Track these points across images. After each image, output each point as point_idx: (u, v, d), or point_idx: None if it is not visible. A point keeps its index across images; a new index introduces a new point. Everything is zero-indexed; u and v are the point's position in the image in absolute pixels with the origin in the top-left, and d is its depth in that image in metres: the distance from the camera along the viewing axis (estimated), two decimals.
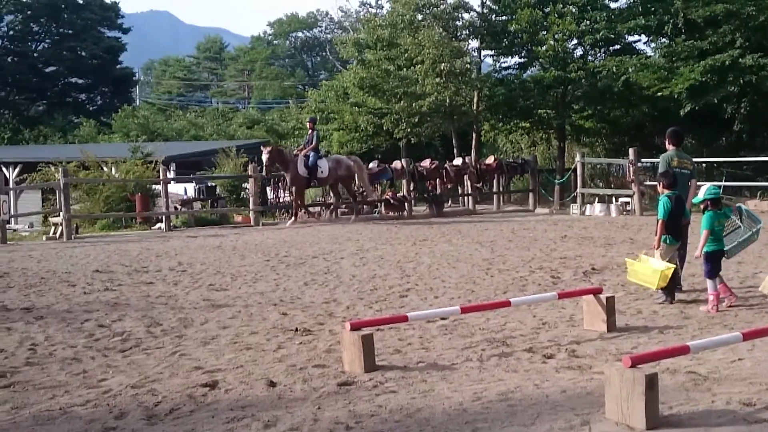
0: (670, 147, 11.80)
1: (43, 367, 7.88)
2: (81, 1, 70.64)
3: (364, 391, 6.85)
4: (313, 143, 24.57)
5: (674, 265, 10.26)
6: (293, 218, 24.56)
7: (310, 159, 24.19)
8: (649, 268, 10.09)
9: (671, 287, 10.37)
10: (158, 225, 24.82)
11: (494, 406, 6.38)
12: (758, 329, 7.41)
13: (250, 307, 10.78)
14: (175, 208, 26.41)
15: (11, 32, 70.65)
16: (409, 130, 33.80)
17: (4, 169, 36.80)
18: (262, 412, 6.42)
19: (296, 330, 9.29)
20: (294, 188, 24.47)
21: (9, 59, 68.62)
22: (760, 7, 27.85)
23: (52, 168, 28.52)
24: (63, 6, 68.38)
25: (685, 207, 10.88)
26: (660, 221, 10.44)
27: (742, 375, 6.99)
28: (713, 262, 9.99)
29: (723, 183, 25.94)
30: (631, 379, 5.69)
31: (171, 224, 24.20)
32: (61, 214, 22.49)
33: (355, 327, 7.61)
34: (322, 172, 24.34)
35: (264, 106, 77.94)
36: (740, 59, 27.03)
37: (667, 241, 10.46)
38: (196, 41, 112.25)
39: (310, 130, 24.79)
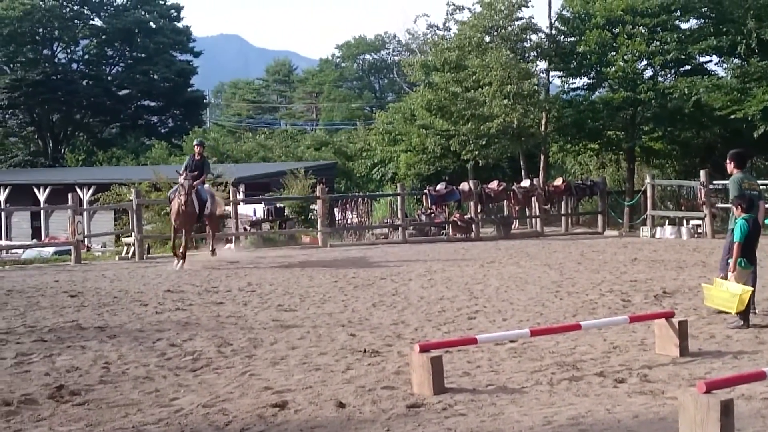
0: (735, 170, 11.62)
1: (116, 386, 8.01)
2: (154, 26, 71.85)
3: (433, 414, 6.83)
4: (205, 174, 20.11)
5: (751, 288, 10.09)
6: (182, 261, 19.24)
7: (202, 193, 19.67)
8: (727, 293, 9.95)
9: (746, 311, 10.19)
10: (228, 245, 25.07)
11: (565, 430, 6.33)
12: None
13: (318, 328, 10.83)
14: (245, 228, 26.66)
15: (86, 56, 72.12)
16: (476, 152, 33.71)
17: (78, 190, 37.52)
18: None
19: (365, 351, 9.30)
20: (184, 224, 19.31)
21: (84, 83, 69.98)
22: None
23: (125, 189, 29.02)
24: (137, 30, 69.58)
25: (760, 230, 10.72)
26: (737, 244, 10.29)
27: None
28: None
29: None
30: (705, 405, 5.60)
31: (241, 245, 24.42)
32: (134, 234, 22.84)
33: (424, 349, 7.60)
34: (208, 208, 19.86)
35: (332, 128, 78.35)
36: None
37: (742, 264, 10.30)
38: (266, 64, 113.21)
39: (198, 156, 19.86)
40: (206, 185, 20.46)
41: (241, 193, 34.81)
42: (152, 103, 74.54)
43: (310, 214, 29.42)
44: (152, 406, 7.25)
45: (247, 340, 10.10)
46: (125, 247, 24.29)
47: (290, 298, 13.81)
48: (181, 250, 19.22)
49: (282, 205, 29.97)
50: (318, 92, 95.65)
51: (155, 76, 70.97)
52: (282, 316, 12.00)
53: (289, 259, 20.92)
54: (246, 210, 30.49)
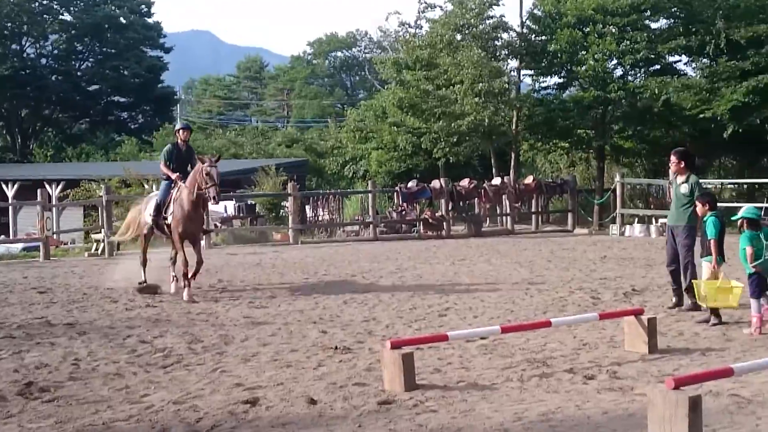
0: (687, 170, 11.70)
1: (86, 382, 7.98)
2: (124, 21, 71.31)
3: (404, 410, 6.86)
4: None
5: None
6: (188, 286, 13.60)
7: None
8: (725, 289, 10.11)
9: (717, 309, 10.34)
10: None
11: (535, 426, 6.37)
12: None
13: (289, 325, 10.83)
14: (215, 225, 26.58)
15: (56, 51, 71.50)
16: (447, 149, 33.79)
17: (47, 186, 37.19)
18: (302, 429, 6.45)
19: (336, 348, 9.32)
20: (196, 232, 14.53)
21: (53, 78, 69.39)
22: None
23: (94, 185, 28.82)
24: (107, 26, 69.01)
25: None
26: (713, 241, 10.40)
27: None
28: (759, 283, 9.90)
29: (765, 204, 25.66)
30: (674, 401, 5.65)
31: (211, 242, 24.34)
32: (103, 230, 22.69)
33: (395, 345, 7.63)
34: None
35: (303, 125, 78.21)
36: None
37: (720, 261, 10.47)
38: (237, 60, 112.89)
39: (183, 144, 15.06)
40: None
41: None
42: (122, 99, 74.01)
43: (281, 211, 29.38)
44: (122, 403, 7.23)
45: (218, 337, 10.09)
46: (95, 244, 24.11)
47: (261, 295, 13.81)
48: (186, 271, 13.65)
49: (253, 202, 29.89)
50: (289, 89, 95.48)
51: (125, 72, 70.47)
52: (253, 312, 11.99)
53: (260, 256, 20.88)
54: (217, 207, 30.34)
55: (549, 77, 35.01)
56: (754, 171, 32.61)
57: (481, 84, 30.98)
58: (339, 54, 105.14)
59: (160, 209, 14.50)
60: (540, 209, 30.90)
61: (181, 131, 15.42)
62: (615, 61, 32.54)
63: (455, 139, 33.17)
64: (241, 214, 29.09)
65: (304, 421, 6.64)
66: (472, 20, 32.81)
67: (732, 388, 7.20)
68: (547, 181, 31.62)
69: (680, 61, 34.39)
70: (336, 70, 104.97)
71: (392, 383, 7.48)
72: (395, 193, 28.50)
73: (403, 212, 28.80)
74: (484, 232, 28.22)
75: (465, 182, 28.76)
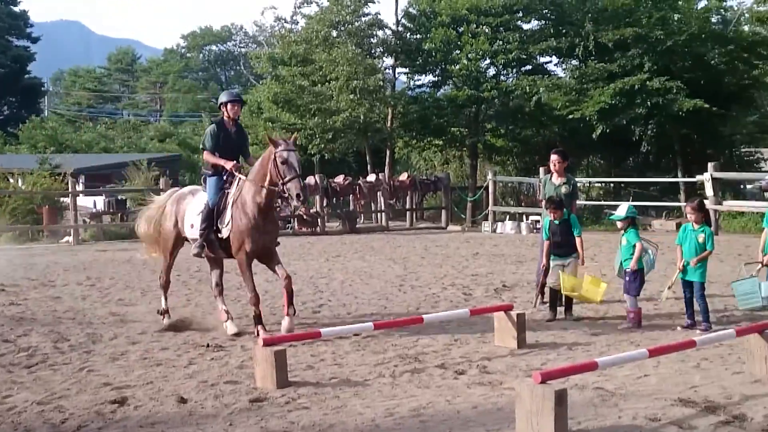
0: (566, 170, 12.06)
1: None
2: None
3: (276, 408, 6.82)
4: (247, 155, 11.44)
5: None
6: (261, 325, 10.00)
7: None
8: (592, 285, 10.40)
9: (557, 303, 10.71)
10: (66, 238, 24.28)
11: (406, 422, 6.41)
12: (663, 346, 7.60)
13: (160, 323, 10.63)
14: (84, 221, 25.91)
15: None
16: (322, 145, 33.77)
17: None
18: (172, 429, 6.35)
19: (208, 346, 9.21)
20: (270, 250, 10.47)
21: None
22: (668, 32, 28.57)
23: None
24: None
25: None
26: (580, 238, 10.73)
27: (648, 391, 7.15)
28: (639, 279, 10.22)
29: (630, 203, 26.44)
30: (541, 395, 5.77)
31: (80, 238, 23.73)
32: None
33: (267, 343, 7.58)
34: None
35: (176, 119, 77.11)
36: (648, 82, 27.66)
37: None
38: (108, 52, 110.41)
39: (232, 123, 10.82)
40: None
41: (80, 184, 33.88)
42: None
43: None
44: None
45: (85, 336, 9.85)
46: None
47: (131, 293, 13.54)
48: (259, 311, 9.98)
49: (124, 198, 29.26)
50: (162, 83, 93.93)
51: None
52: (122, 310, 11.75)
53: (131, 253, 20.43)
54: (86, 202, 29.68)
55: (424, 75, 35.49)
56: (620, 170, 33.64)
57: (356, 81, 31.09)
58: (214, 48, 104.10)
59: (212, 218, 10.22)
60: (414, 206, 31.14)
61: (228, 105, 10.69)
62: (488, 61, 33.11)
63: (330, 136, 33.18)
64: (111, 210, 28.46)
65: (174, 420, 6.54)
66: (348, 17, 32.93)
67: (597, 382, 7.40)
68: (421, 178, 31.91)
69: (551, 62, 35.23)
70: (210, 64, 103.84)
71: (264, 381, 7.43)
72: None
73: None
74: (359, 228, 28.29)
75: (340, 179, 28.77)
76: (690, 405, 6.68)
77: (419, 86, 36.24)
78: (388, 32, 34.38)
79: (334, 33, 33.36)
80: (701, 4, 31.86)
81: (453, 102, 32.85)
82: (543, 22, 34.10)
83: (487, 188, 28.84)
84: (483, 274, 15.61)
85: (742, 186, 31.87)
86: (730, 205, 24.57)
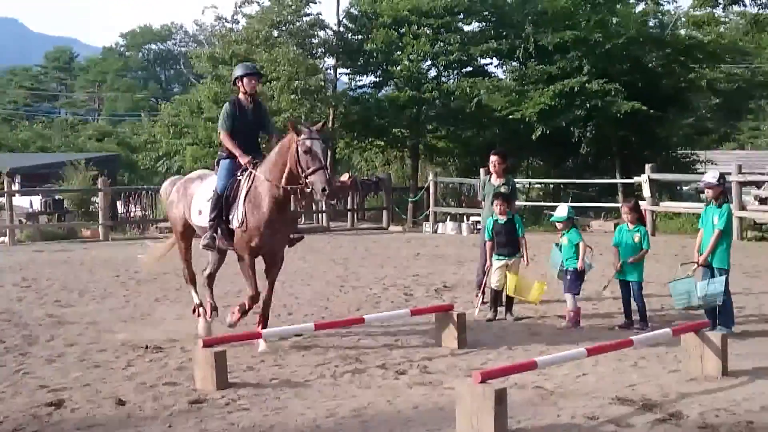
0: (506, 171, 12.19)
1: None
2: None
3: (216, 409, 6.78)
4: (272, 135, 10.82)
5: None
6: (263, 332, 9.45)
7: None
8: (531, 284, 10.54)
9: (497, 303, 10.82)
10: (2, 239, 23.87)
11: (347, 422, 6.42)
12: (601, 345, 7.69)
13: (98, 324, 10.51)
14: (20, 221, 25.50)
15: None
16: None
17: None
18: (110, 431, 6.28)
19: (146, 347, 9.12)
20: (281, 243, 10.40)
21: None
22: (606, 35, 28.89)
23: None
24: None
25: None
26: (523, 238, 10.84)
27: (586, 390, 7.24)
28: (579, 279, 10.35)
29: (569, 204, 26.69)
30: (481, 395, 5.81)
31: (16, 238, 23.34)
32: None
33: (207, 344, 7.54)
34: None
35: (115, 119, 76.26)
36: (587, 84, 27.95)
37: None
38: (45, 50, 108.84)
39: (250, 99, 10.09)
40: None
41: (16, 184, 33.38)
42: None
43: (91, 206, 28.45)
44: None
45: (21, 338, 9.70)
46: None
47: (68, 294, 13.35)
48: (250, 305, 9.59)
49: (61, 197, 28.85)
50: (101, 81, 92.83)
51: None
52: (59, 312, 11.58)
53: (68, 254, 20.16)
54: (22, 202, 29.22)
55: (365, 76, 35.47)
56: (559, 171, 33.93)
57: (297, 81, 30.98)
58: (153, 47, 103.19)
59: (221, 206, 9.38)
60: (355, 207, 31.11)
61: (244, 79, 9.79)
62: (429, 62, 33.21)
63: None
64: (48, 210, 28.05)
65: (112, 423, 6.47)
66: (289, 17, 32.79)
67: (536, 381, 7.47)
68: (362, 178, 31.90)
69: (491, 63, 35.42)
70: (150, 63, 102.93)
71: (204, 382, 7.39)
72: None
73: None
74: (300, 229, 28.16)
75: None
76: (627, 403, 6.78)
77: (360, 87, 36.25)
78: (330, 32, 34.32)
79: (276, 33, 33.21)
80: (639, 8, 32.34)
81: (394, 103, 32.88)
82: (484, 24, 34.29)
83: (428, 189, 28.91)
84: (424, 274, 15.66)
85: (678, 187, 32.38)
86: (667, 206, 24.99)
